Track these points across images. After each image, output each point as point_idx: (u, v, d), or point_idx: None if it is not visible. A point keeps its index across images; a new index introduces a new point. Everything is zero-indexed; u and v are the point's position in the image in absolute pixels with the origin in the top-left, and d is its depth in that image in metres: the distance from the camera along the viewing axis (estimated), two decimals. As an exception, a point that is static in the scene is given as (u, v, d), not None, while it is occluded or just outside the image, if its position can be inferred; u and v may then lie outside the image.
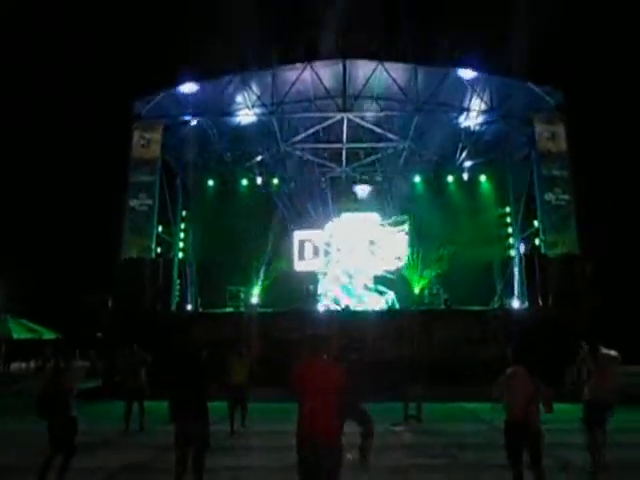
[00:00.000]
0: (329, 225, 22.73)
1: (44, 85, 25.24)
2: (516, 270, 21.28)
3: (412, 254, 21.92)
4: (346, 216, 22.59)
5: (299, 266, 22.77)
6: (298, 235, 23.08)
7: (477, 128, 20.38)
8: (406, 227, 22.49)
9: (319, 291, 21.71)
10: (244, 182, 22.66)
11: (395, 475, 6.80)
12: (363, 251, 22.39)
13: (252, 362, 10.41)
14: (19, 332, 20.74)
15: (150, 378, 10.18)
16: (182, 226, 22.44)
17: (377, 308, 20.01)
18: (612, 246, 20.15)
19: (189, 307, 20.72)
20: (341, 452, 3.82)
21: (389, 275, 21.97)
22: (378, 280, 21.90)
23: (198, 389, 5.29)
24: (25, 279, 22.65)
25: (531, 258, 19.70)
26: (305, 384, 3.90)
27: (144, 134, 18.89)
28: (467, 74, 18.23)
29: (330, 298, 21.33)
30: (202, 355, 5.96)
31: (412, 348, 12.77)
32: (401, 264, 21.99)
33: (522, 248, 20.95)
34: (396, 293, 21.10)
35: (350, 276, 21.88)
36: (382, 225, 22.52)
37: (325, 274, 22.18)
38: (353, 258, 22.23)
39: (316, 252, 22.73)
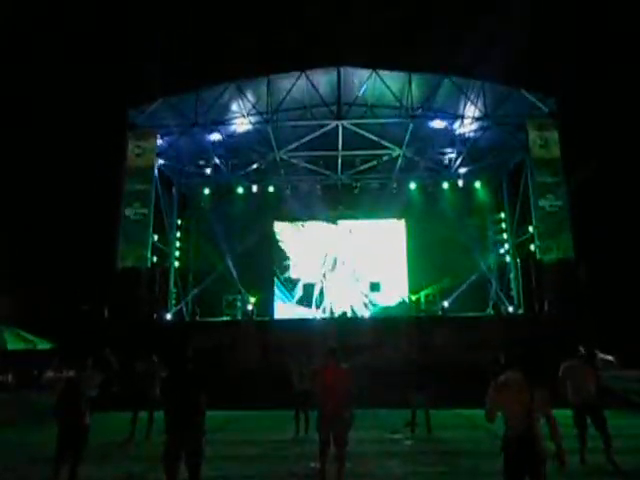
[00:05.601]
0: (325, 232, 22.77)
1: (39, 91, 25.24)
2: (512, 276, 21.34)
3: (408, 261, 22.06)
4: (342, 223, 22.73)
5: (295, 274, 22.72)
6: (294, 242, 23.06)
7: (472, 135, 20.49)
8: (402, 234, 22.60)
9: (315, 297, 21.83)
10: (240, 190, 22.66)
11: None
12: (359, 257, 22.44)
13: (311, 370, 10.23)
14: (14, 343, 20.56)
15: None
16: (178, 235, 22.43)
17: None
18: (609, 250, 20.18)
19: (186, 316, 20.64)
20: (348, 419, 6.24)
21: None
22: (374, 286, 21.94)
23: (188, 398, 5.21)
24: (18, 288, 22.53)
25: (526, 264, 19.76)
26: (325, 381, 6.22)
27: (139, 143, 18.91)
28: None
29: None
30: (190, 362, 5.82)
31: (409, 354, 12.71)
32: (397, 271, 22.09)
33: (517, 254, 21.03)
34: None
35: (345, 283, 21.97)
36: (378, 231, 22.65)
37: (322, 281, 22.20)
38: (349, 265, 22.28)
39: (313, 260, 22.71)
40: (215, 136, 20.25)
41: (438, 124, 19.66)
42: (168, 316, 20.26)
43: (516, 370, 4.47)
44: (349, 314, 20.40)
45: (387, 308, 21.50)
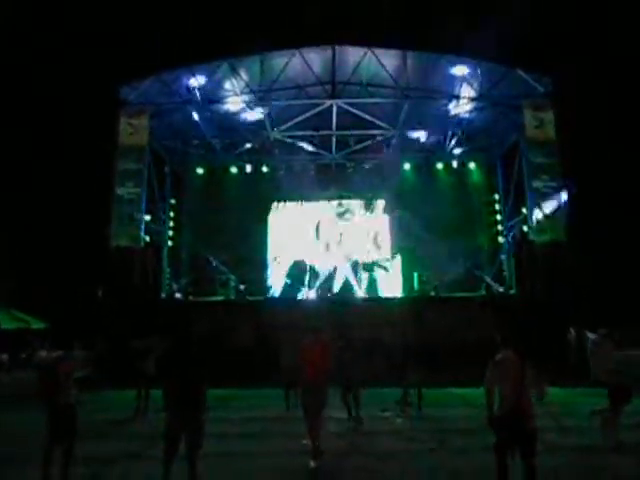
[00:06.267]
0: (319, 212, 22.70)
1: (28, 69, 24.79)
2: (504, 257, 21.45)
3: (401, 241, 22.09)
4: (336, 203, 22.64)
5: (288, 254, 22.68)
6: (287, 222, 22.97)
7: (467, 115, 20.34)
8: (396, 213, 22.56)
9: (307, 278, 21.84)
10: (233, 170, 22.49)
11: (384, 460, 6.87)
12: (354, 238, 22.42)
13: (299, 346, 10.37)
14: (7, 322, 20.55)
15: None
16: (171, 214, 22.28)
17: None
18: (601, 232, 20.32)
19: (178, 295, 20.63)
20: (327, 390, 6.77)
21: (378, 262, 22.06)
22: (367, 267, 21.97)
23: (189, 378, 5.23)
24: (11, 267, 22.45)
25: (519, 245, 19.86)
26: (310, 357, 6.65)
27: (131, 120, 18.58)
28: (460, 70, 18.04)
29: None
30: (190, 343, 5.86)
31: (403, 334, 12.84)
32: (390, 252, 22.14)
33: (510, 236, 21.11)
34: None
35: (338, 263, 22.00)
36: (372, 212, 22.61)
37: (314, 261, 22.19)
38: (343, 245, 22.28)
39: (306, 240, 22.65)
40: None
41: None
42: (162, 295, 20.27)
43: (510, 349, 4.71)
44: (342, 294, 20.46)
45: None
